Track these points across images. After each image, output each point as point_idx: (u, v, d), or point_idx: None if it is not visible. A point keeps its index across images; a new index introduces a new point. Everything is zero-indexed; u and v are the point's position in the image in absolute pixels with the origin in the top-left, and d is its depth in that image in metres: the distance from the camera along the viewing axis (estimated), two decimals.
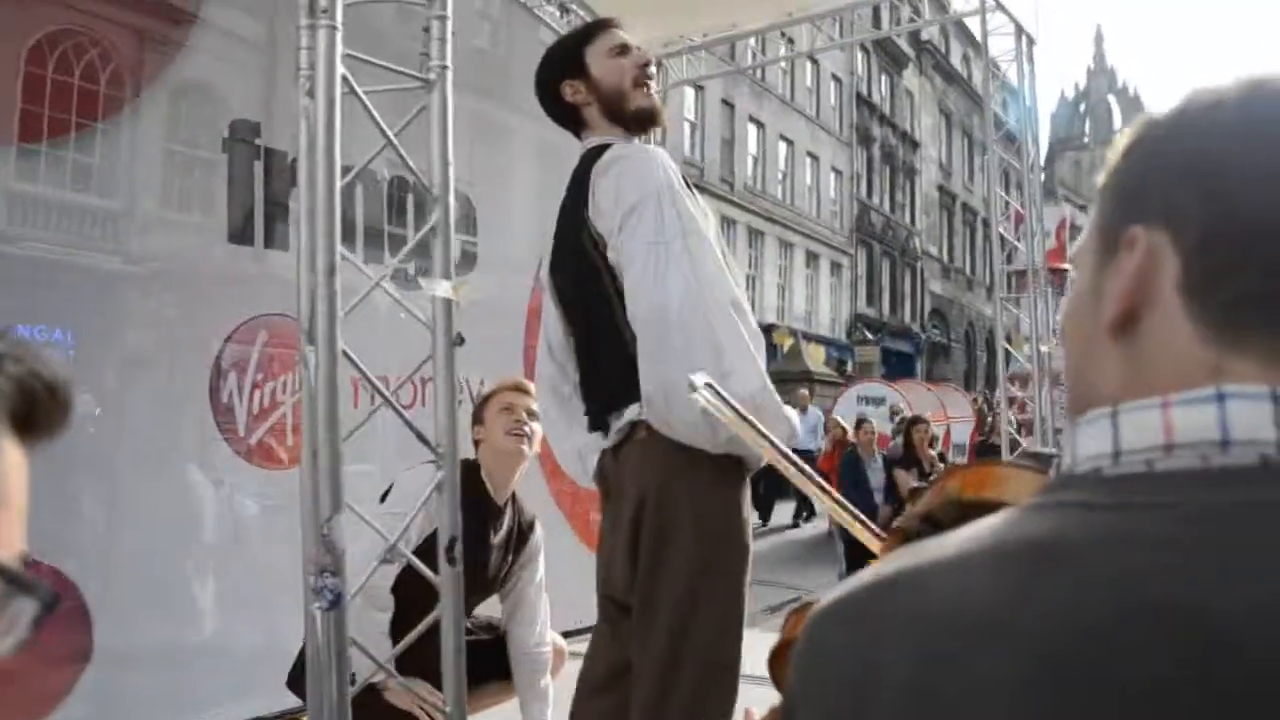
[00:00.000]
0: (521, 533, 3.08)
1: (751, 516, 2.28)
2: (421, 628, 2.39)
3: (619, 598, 2.23)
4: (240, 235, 3.84)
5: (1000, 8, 5.25)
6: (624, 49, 2.33)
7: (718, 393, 1.29)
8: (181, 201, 3.95)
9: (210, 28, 3.87)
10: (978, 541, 0.54)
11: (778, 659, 0.72)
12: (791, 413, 2.17)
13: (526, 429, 2.92)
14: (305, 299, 2.05)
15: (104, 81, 3.68)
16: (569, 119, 2.39)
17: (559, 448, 2.46)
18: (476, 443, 3.01)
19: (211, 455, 3.71)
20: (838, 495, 1.12)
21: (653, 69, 2.39)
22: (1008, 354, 6.22)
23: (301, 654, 2.39)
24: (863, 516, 1.09)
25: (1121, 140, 0.64)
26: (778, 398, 2.11)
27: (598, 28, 2.42)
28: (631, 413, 2.14)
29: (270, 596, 3.58)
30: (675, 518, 2.11)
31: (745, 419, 1.27)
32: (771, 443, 1.25)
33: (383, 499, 2.84)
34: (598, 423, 2.28)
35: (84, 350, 3.48)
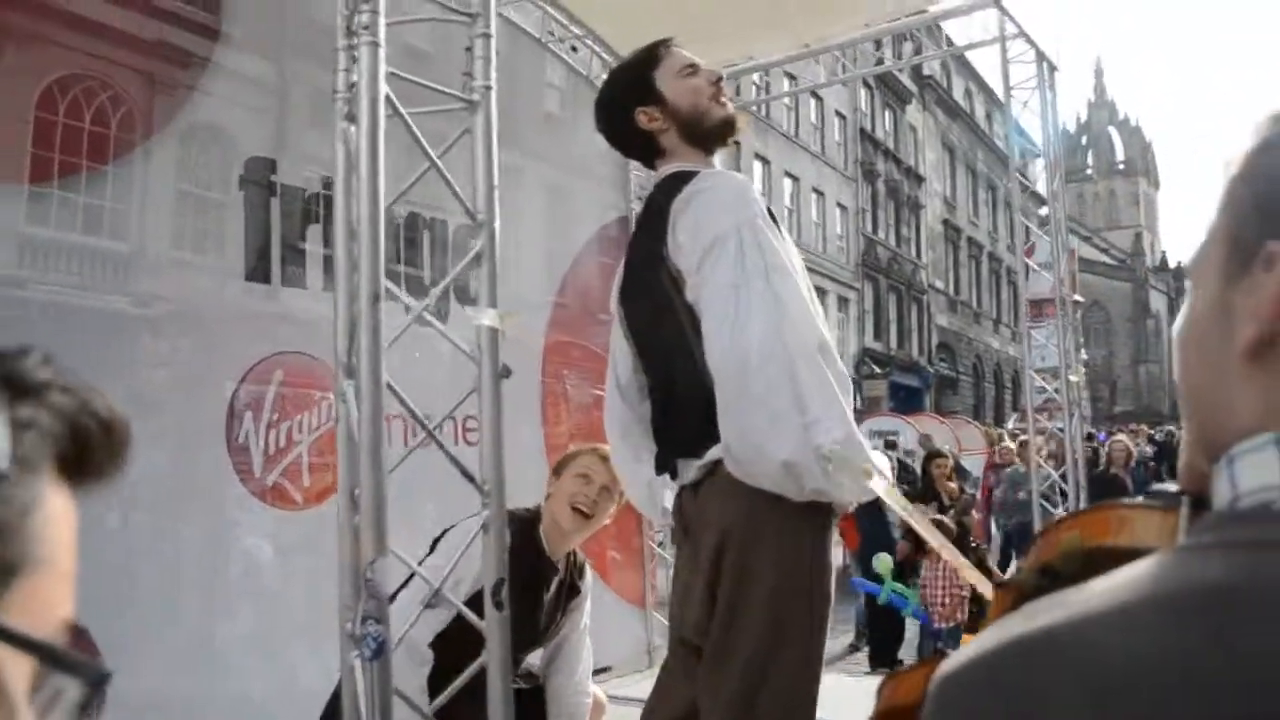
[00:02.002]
0: (573, 583, 3.01)
1: (835, 561, 2.17)
2: (467, 675, 2.31)
3: (692, 638, 2.12)
4: (255, 274, 3.81)
5: (1023, 35, 5.25)
6: (693, 68, 2.25)
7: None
8: (194, 242, 3.94)
9: (221, 70, 3.87)
10: (1136, 591, 0.48)
11: None
12: (882, 460, 2.06)
13: (592, 508, 2.84)
14: (343, 331, 1.98)
15: (115, 125, 3.68)
16: (640, 146, 2.30)
17: (630, 486, 2.38)
18: (548, 495, 2.94)
19: (226, 496, 3.65)
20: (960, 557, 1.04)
21: (724, 82, 2.32)
22: (1032, 382, 6.16)
23: (335, 696, 2.30)
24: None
25: (1253, 140, 0.57)
26: (864, 447, 1.99)
27: (659, 49, 2.29)
28: (714, 453, 2.03)
29: (286, 639, 3.51)
30: (758, 558, 2.00)
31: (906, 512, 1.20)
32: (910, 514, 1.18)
33: (432, 547, 2.76)
34: (665, 466, 2.19)
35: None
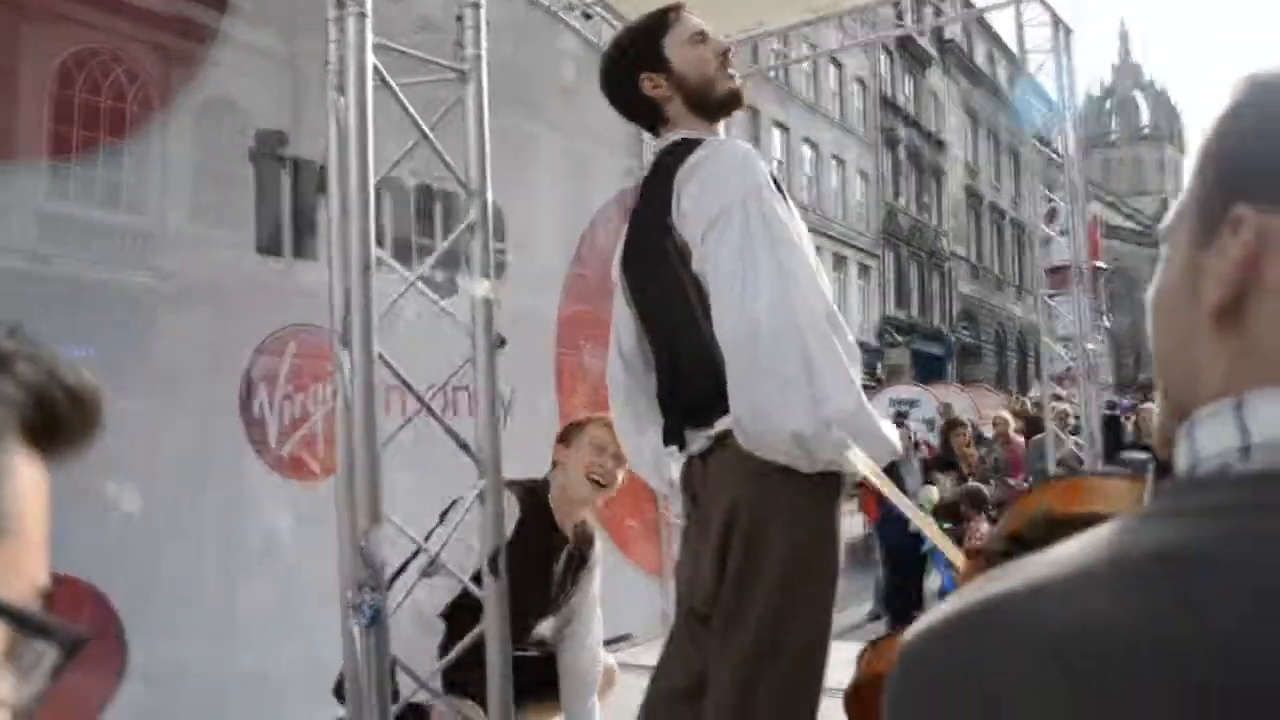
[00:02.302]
0: (583, 554, 3.01)
1: (844, 530, 2.15)
2: (466, 642, 2.33)
3: (701, 608, 2.12)
4: (269, 247, 3.83)
5: None
6: (702, 35, 2.20)
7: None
8: (210, 216, 3.95)
9: (231, 42, 3.87)
10: (1093, 557, 0.48)
11: (855, 700, 0.67)
12: (891, 430, 2.04)
13: (608, 477, 2.84)
14: (339, 302, 1.99)
15: (131, 99, 3.69)
16: (646, 114, 2.25)
17: (634, 456, 2.37)
18: (554, 463, 2.93)
19: (243, 469, 3.69)
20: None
21: (733, 53, 2.26)
22: (1041, 352, 6.11)
23: None
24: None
25: (1223, 102, 0.57)
26: (875, 418, 1.98)
27: (669, 14, 2.23)
28: (723, 423, 2.01)
29: (305, 610, 3.55)
30: (768, 528, 1.99)
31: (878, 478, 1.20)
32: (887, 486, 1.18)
33: (442, 519, 2.77)
34: (673, 438, 2.18)
35: (114, 367, 3.48)
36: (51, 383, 0.48)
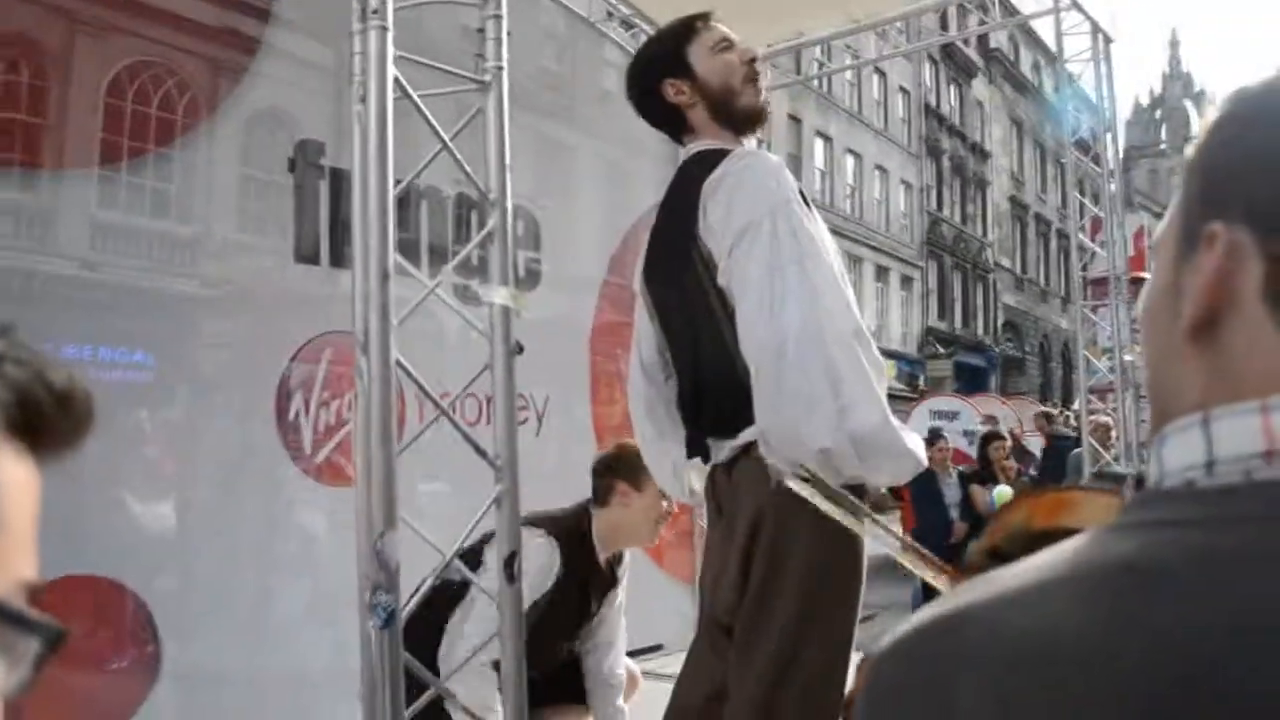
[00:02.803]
0: (613, 571, 3.00)
1: (867, 543, 2.11)
2: (480, 645, 2.36)
3: (724, 617, 2.12)
4: (307, 255, 3.89)
5: (1076, 6, 5.10)
6: (728, 43, 2.19)
7: (811, 482, 1.21)
8: (253, 224, 4.02)
9: (274, 51, 3.93)
10: (1054, 569, 0.49)
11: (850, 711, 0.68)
12: (918, 443, 2.02)
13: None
14: (359, 308, 2.02)
15: (180, 110, 3.77)
16: (670, 121, 2.25)
17: (655, 465, 2.37)
18: (609, 494, 2.87)
19: (279, 474, 3.73)
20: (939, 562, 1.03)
21: (760, 64, 2.26)
22: (1088, 363, 6.02)
23: None
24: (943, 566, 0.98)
25: (1208, 116, 0.57)
26: (899, 433, 1.96)
27: (696, 22, 2.22)
28: (748, 434, 2.01)
29: (339, 614, 3.58)
30: (792, 539, 1.98)
31: (834, 497, 1.20)
32: (867, 519, 1.18)
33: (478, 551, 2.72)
34: (697, 448, 2.18)
35: (163, 372, 3.55)
36: (38, 384, 0.49)
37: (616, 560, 3.01)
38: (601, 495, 2.88)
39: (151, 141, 3.67)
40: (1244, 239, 0.51)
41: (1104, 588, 0.46)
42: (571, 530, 2.83)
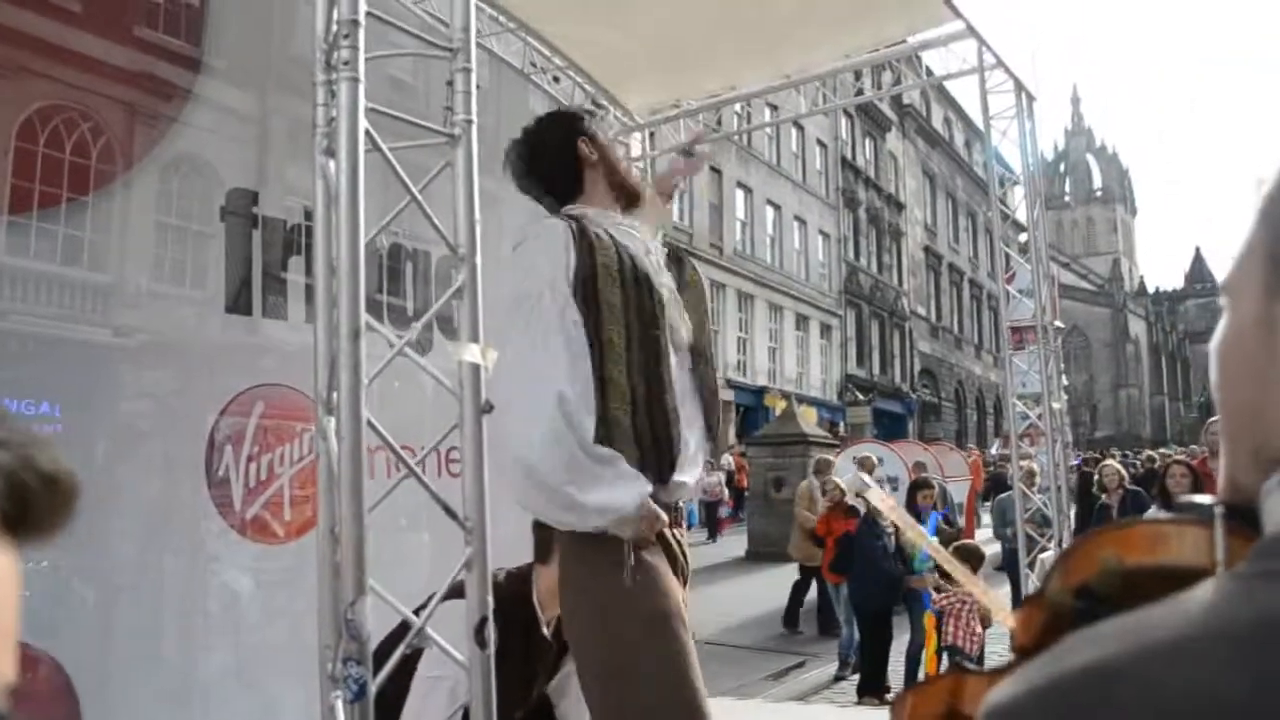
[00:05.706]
0: (562, 643, 2.94)
1: (659, 580, 2.11)
2: (451, 711, 2.28)
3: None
4: (237, 305, 3.79)
5: (1001, 65, 5.29)
6: (617, 139, 2.47)
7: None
8: (175, 273, 3.91)
9: (202, 102, 3.86)
10: (1204, 623, 0.47)
11: None
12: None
13: None
14: (323, 367, 1.95)
15: (95, 156, 3.66)
16: (563, 180, 2.37)
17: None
18: (549, 558, 2.79)
19: (206, 531, 3.61)
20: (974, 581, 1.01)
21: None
22: (999, 411, 6.15)
23: None
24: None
25: None
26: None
27: (591, 115, 2.55)
28: None
29: (267, 674, 3.46)
30: (563, 597, 2.19)
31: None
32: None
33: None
34: None
35: (71, 423, 3.40)
36: (25, 469, 0.47)
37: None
38: (542, 551, 2.81)
39: (64, 187, 3.55)
40: None
41: (1253, 644, 0.45)
42: (515, 574, 2.79)
